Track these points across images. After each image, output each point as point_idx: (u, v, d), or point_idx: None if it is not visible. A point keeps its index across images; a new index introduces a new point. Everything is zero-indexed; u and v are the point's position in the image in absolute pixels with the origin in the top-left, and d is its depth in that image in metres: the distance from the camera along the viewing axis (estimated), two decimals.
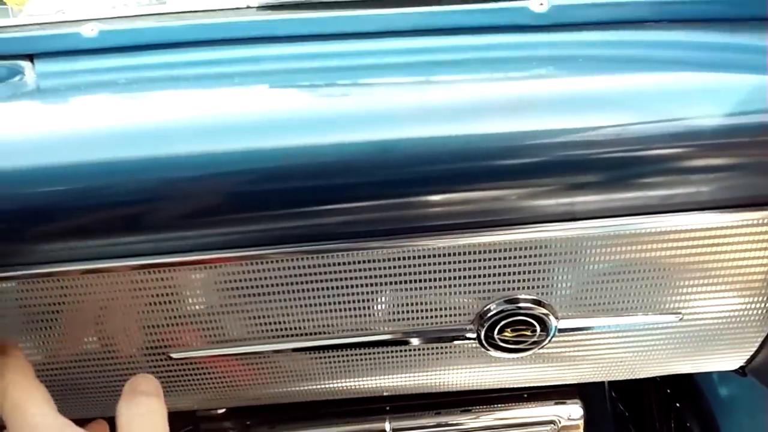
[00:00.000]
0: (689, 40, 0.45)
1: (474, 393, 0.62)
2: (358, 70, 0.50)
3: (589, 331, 0.50)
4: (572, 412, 0.60)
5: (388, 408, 0.62)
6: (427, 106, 0.41)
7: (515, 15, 0.49)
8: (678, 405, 0.74)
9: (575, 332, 0.50)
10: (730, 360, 0.55)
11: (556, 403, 0.65)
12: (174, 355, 0.50)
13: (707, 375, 0.72)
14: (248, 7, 0.63)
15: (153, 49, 0.52)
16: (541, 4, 0.48)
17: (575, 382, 0.57)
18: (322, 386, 0.56)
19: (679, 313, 0.49)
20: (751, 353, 0.54)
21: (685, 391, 0.74)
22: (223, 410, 0.66)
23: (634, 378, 0.58)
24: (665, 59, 0.43)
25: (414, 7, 0.51)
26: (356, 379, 0.55)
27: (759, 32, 0.44)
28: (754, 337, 0.53)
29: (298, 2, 0.63)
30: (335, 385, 0.56)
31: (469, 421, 0.64)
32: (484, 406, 0.64)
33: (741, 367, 0.57)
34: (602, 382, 0.83)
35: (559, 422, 0.64)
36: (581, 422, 0.59)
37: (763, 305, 0.50)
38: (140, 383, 0.38)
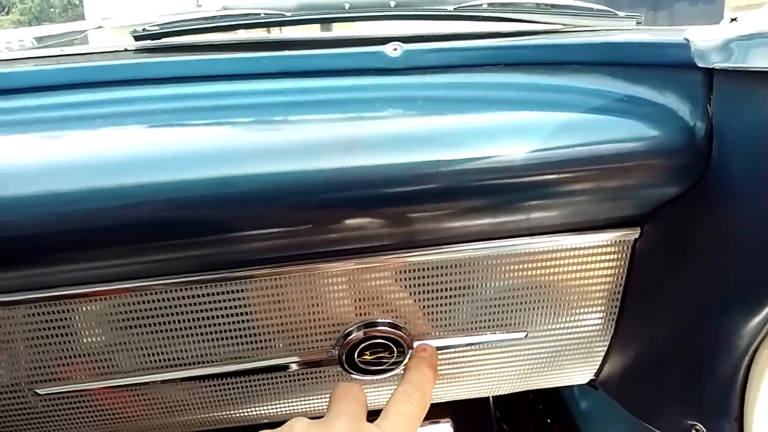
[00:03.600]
0: (519, 81, 0.50)
1: None
2: (228, 109, 0.52)
3: (444, 351, 0.54)
4: (444, 430, 0.63)
5: None
6: (284, 143, 0.44)
7: (373, 59, 0.52)
8: (549, 420, 0.78)
9: None
10: (580, 374, 0.60)
11: (430, 423, 0.68)
12: (40, 391, 0.50)
13: (570, 390, 0.77)
14: (125, 50, 0.65)
15: (29, 92, 0.53)
16: (395, 49, 0.52)
17: (441, 401, 0.60)
18: (196, 417, 0.57)
19: (525, 330, 0.53)
20: (597, 367, 0.59)
21: (554, 407, 0.79)
22: None
23: (496, 395, 0.62)
24: (496, 99, 0.48)
25: (282, 51, 0.54)
26: (228, 409, 0.57)
27: (580, 74, 0.49)
28: (599, 351, 0.57)
29: (173, 45, 0.65)
30: (210, 415, 0.57)
31: None
32: None
33: (592, 380, 0.61)
34: (487, 402, 0.87)
35: None
36: None
37: (604, 321, 0.55)
38: None
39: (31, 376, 0.49)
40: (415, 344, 0.52)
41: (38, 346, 0.48)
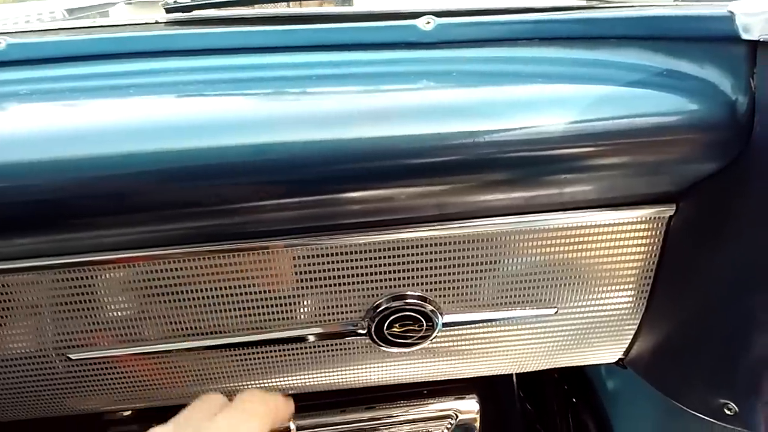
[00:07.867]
0: (555, 56, 0.49)
1: (378, 390, 0.65)
2: (260, 81, 0.52)
3: (473, 325, 0.54)
4: (469, 406, 0.63)
5: None
6: (317, 113, 0.44)
7: (406, 33, 0.52)
8: (574, 400, 0.78)
9: (459, 326, 0.54)
10: (609, 353, 0.60)
11: (456, 398, 0.69)
12: (73, 356, 0.51)
13: (597, 369, 0.76)
14: (156, 22, 0.65)
15: (62, 61, 0.53)
16: (428, 23, 0.51)
17: (467, 376, 0.60)
18: (225, 385, 0.58)
19: (555, 306, 0.53)
20: (626, 346, 0.59)
21: (579, 387, 0.79)
22: (130, 412, 0.67)
23: (523, 371, 0.61)
24: (531, 73, 0.47)
25: (314, 24, 0.54)
26: (257, 378, 0.57)
27: (617, 49, 0.49)
28: (629, 330, 0.57)
29: (204, 18, 0.65)
30: (238, 384, 0.58)
31: (372, 417, 0.67)
32: (387, 403, 0.67)
33: (620, 359, 0.61)
34: (511, 382, 0.87)
35: (457, 416, 0.67)
36: (477, 416, 0.63)
37: (636, 298, 0.54)
38: None
39: (62, 341, 0.50)
40: (445, 318, 0.52)
41: (68, 312, 0.49)
